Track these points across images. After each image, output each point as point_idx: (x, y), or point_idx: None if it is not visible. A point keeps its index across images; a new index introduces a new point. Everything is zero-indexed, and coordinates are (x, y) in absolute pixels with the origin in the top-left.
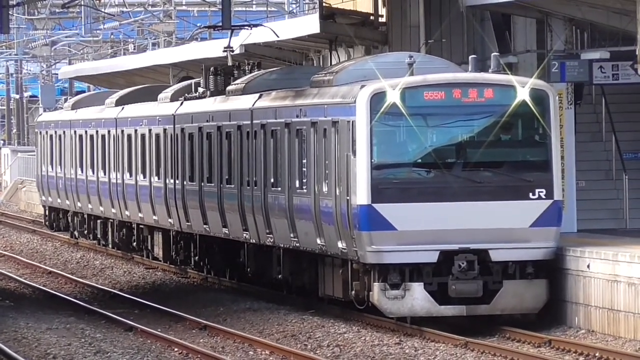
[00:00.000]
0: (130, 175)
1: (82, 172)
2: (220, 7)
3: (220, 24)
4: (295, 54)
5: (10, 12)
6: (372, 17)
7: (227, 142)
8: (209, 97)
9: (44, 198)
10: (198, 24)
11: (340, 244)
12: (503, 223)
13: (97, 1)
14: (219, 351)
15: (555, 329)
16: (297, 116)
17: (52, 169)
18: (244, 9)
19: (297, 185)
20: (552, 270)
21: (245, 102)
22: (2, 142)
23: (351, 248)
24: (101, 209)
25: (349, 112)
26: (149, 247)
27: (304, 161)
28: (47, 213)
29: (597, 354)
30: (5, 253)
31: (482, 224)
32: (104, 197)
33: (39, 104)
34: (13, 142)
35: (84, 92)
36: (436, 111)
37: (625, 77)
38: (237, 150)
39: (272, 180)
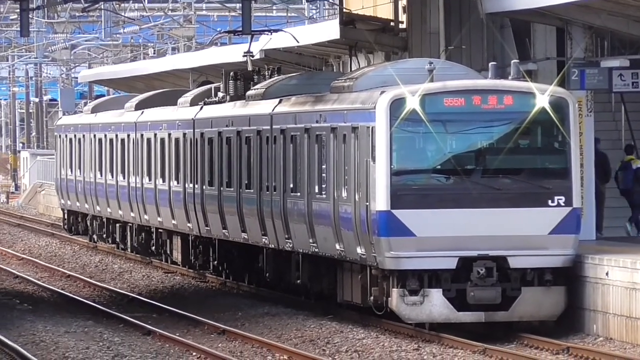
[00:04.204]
0: (150, 180)
1: (101, 176)
2: (241, 12)
3: (241, 29)
4: (315, 60)
5: (30, 16)
6: (392, 24)
7: (247, 147)
8: (229, 101)
9: (62, 201)
10: (218, 29)
11: (359, 250)
12: (522, 230)
13: (117, 5)
14: (237, 356)
15: (574, 336)
16: (317, 122)
17: (71, 173)
18: (264, 14)
19: (317, 190)
20: (570, 278)
21: (265, 107)
22: (21, 145)
23: (370, 254)
24: (120, 212)
25: (368, 117)
26: (168, 252)
27: (324, 167)
28: (65, 217)
29: None
30: (24, 256)
31: (501, 231)
32: (123, 201)
33: (58, 108)
34: (32, 146)
35: (103, 95)
36: (456, 118)
37: None
38: (256, 155)
39: (291, 185)
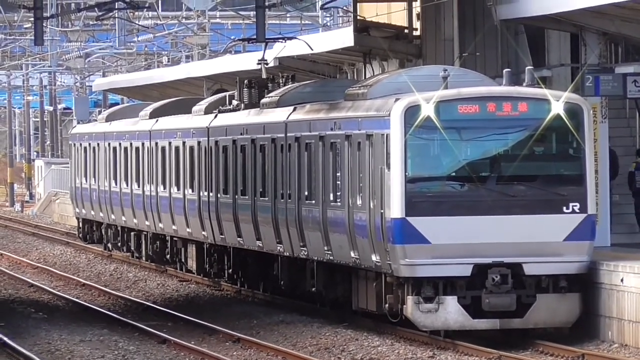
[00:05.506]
0: (164, 188)
1: (115, 184)
2: (255, 20)
3: (255, 36)
4: (329, 67)
5: (44, 25)
6: (406, 31)
7: (261, 155)
8: (243, 109)
9: (77, 210)
10: (232, 37)
11: (374, 257)
12: (537, 237)
13: (131, 13)
14: None
15: (589, 343)
16: (332, 129)
17: (86, 181)
18: (278, 22)
19: (331, 198)
20: (585, 284)
21: (279, 115)
22: (35, 154)
23: (385, 261)
24: (135, 221)
25: (383, 125)
26: (183, 260)
27: (338, 174)
28: (80, 225)
29: None
30: (39, 265)
31: (515, 238)
32: (138, 209)
33: (72, 116)
34: (47, 154)
35: (117, 104)
36: (470, 125)
37: None
38: (271, 163)
39: (306, 193)
